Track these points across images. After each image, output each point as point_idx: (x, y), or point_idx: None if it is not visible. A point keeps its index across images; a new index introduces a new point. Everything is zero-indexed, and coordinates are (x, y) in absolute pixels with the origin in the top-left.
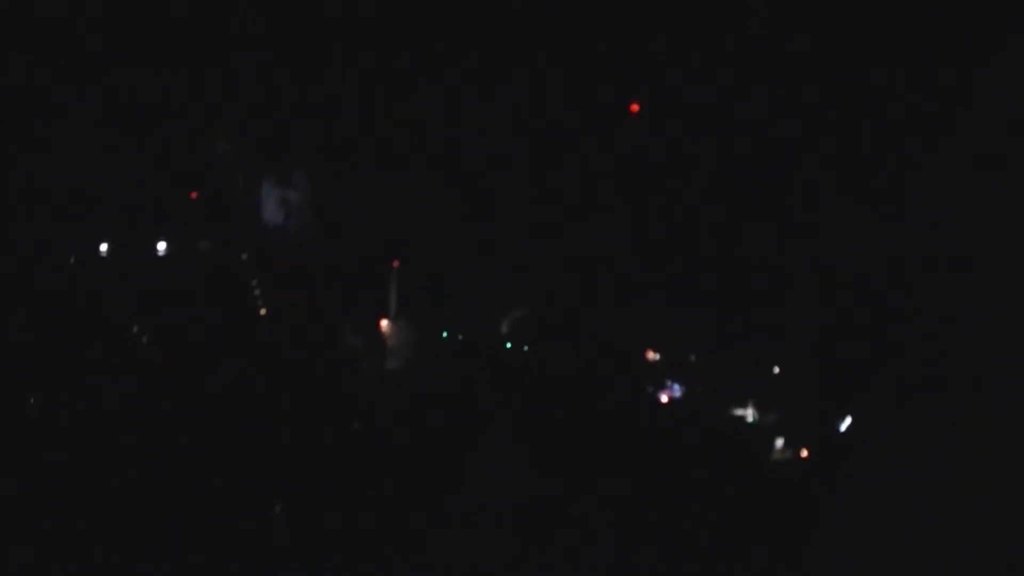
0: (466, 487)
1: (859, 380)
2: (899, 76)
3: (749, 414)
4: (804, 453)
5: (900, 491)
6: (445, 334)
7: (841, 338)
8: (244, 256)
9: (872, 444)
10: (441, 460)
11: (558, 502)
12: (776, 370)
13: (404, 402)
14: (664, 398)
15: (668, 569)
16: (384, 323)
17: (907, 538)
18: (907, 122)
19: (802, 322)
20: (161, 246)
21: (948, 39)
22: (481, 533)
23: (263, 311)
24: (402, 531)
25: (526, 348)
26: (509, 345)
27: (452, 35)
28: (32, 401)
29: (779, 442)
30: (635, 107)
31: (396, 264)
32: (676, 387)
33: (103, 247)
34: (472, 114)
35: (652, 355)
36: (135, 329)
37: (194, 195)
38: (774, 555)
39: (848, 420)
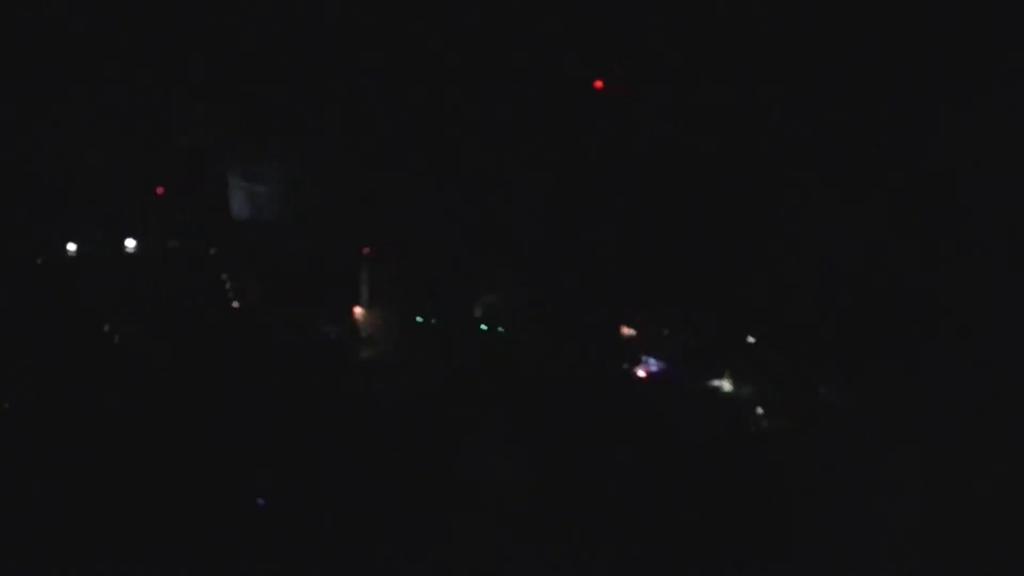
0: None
1: (836, 347)
2: (892, 69)
3: (726, 384)
4: (784, 422)
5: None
6: (419, 319)
7: (814, 306)
8: (213, 251)
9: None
10: (419, 442)
11: (536, 475)
12: (751, 340)
13: (380, 391)
14: (641, 373)
15: (650, 541)
16: (358, 311)
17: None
18: (882, 98)
19: (773, 291)
20: (130, 243)
21: (948, 38)
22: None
23: (235, 304)
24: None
25: (501, 330)
26: (484, 328)
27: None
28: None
29: (758, 411)
30: (599, 83)
31: (367, 251)
32: (652, 362)
33: (71, 246)
34: (445, 96)
35: (627, 331)
36: (106, 327)
37: (160, 191)
38: (759, 529)
39: (825, 388)
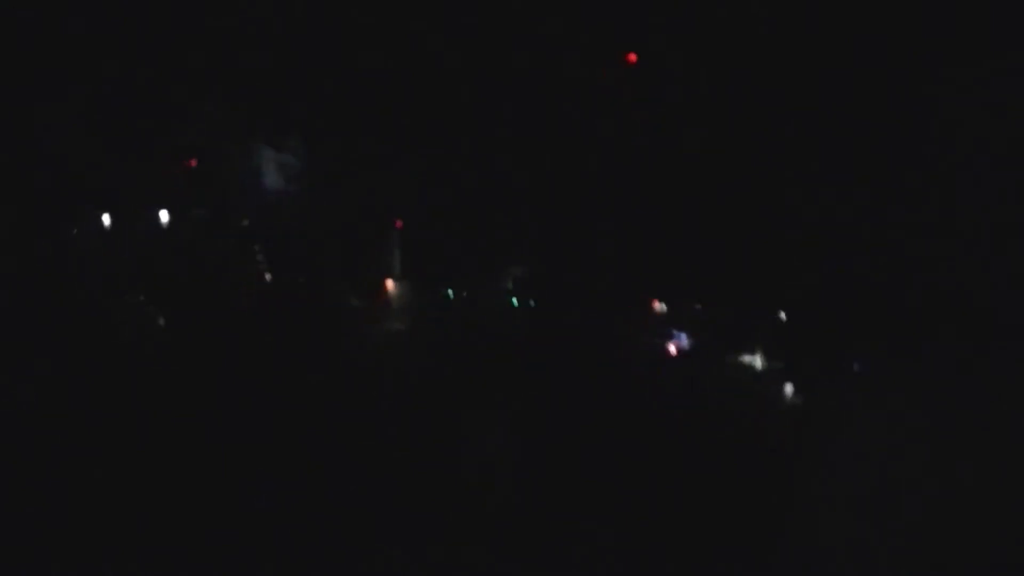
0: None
1: (865, 323)
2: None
3: (757, 360)
4: (814, 401)
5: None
6: (450, 292)
7: (845, 281)
8: (245, 222)
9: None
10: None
11: (564, 459)
12: (783, 315)
13: (405, 368)
14: (672, 349)
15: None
16: (389, 283)
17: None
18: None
19: (804, 266)
20: (163, 214)
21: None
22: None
23: (267, 276)
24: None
25: (532, 303)
26: (515, 301)
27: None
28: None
29: (788, 388)
30: (632, 56)
31: (399, 225)
32: (683, 337)
33: (105, 218)
34: (469, 70)
35: (658, 305)
36: (141, 298)
37: (193, 163)
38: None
39: (857, 364)
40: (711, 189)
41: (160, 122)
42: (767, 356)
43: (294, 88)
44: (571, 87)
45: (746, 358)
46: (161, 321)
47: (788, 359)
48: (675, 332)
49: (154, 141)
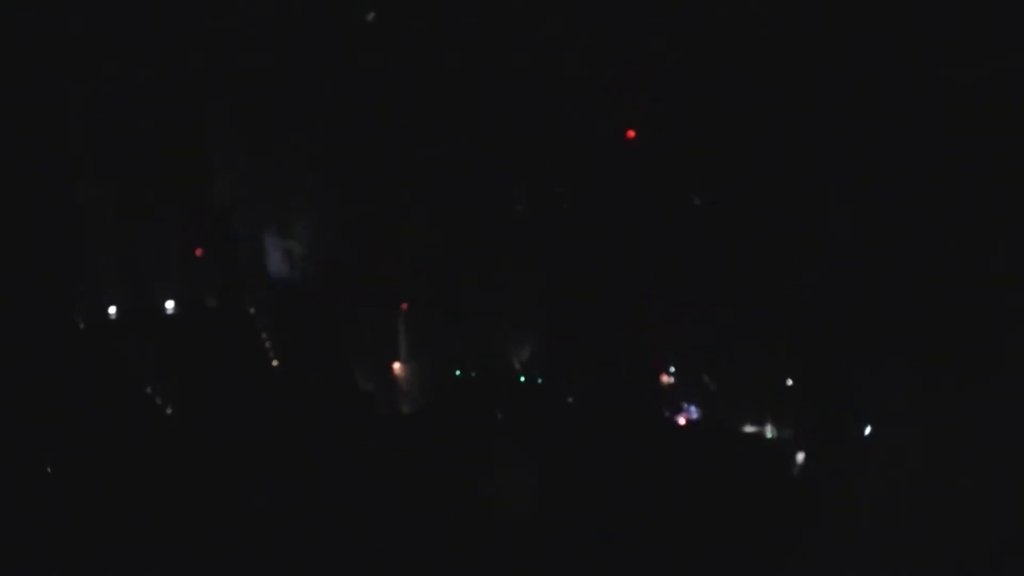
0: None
1: (870, 382)
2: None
3: (768, 430)
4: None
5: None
6: (458, 372)
7: (849, 343)
8: (252, 310)
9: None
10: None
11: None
12: (789, 383)
13: (421, 449)
14: (682, 420)
15: None
16: (396, 366)
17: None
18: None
19: (808, 330)
20: (169, 305)
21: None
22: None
23: (275, 363)
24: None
25: (540, 380)
26: (523, 378)
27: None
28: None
29: (800, 456)
30: (631, 133)
31: (404, 307)
32: (693, 409)
33: (111, 310)
34: (470, 145)
35: (666, 378)
36: (149, 389)
37: (199, 252)
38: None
39: (868, 427)
40: (712, 255)
41: (168, 211)
42: (776, 425)
43: (299, 174)
44: (569, 162)
45: (755, 427)
46: (169, 410)
47: (797, 426)
48: (685, 404)
49: (162, 230)
